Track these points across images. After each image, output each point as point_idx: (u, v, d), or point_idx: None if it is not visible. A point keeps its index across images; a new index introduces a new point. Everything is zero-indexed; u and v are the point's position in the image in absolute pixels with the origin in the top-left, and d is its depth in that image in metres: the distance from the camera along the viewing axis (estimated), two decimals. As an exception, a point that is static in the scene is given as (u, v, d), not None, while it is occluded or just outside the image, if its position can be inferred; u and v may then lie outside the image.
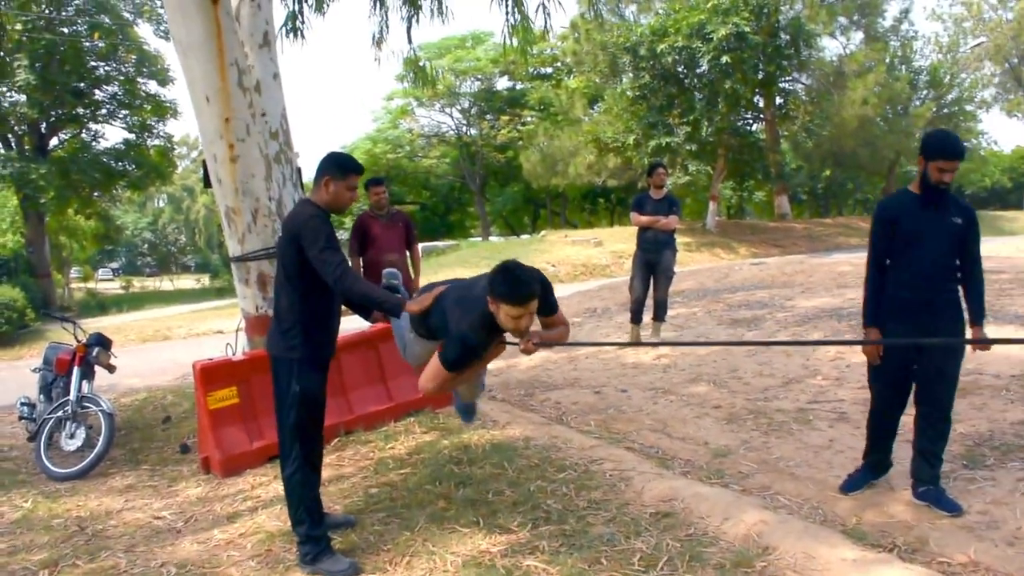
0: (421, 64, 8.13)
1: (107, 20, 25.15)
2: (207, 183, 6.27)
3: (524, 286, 3.21)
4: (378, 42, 8.11)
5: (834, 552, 3.21)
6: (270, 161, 6.01)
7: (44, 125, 26.51)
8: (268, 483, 4.96)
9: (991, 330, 7.21)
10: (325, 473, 4.83)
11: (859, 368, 6.43)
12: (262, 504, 4.59)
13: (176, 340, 14.59)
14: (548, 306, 3.53)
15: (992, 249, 18.27)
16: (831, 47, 32.06)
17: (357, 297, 3.59)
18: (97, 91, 27.23)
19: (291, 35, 7.34)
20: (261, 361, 5.48)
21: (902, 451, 4.51)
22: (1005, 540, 3.41)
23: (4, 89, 24.14)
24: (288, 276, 3.65)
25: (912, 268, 3.74)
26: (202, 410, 5.34)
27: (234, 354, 5.88)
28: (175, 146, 34.15)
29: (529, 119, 38.64)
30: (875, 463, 4.09)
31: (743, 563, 3.22)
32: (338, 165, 3.70)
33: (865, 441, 4.12)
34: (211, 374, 5.34)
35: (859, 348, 7.02)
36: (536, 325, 3.52)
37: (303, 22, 7.30)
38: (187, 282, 56.72)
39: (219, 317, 16.93)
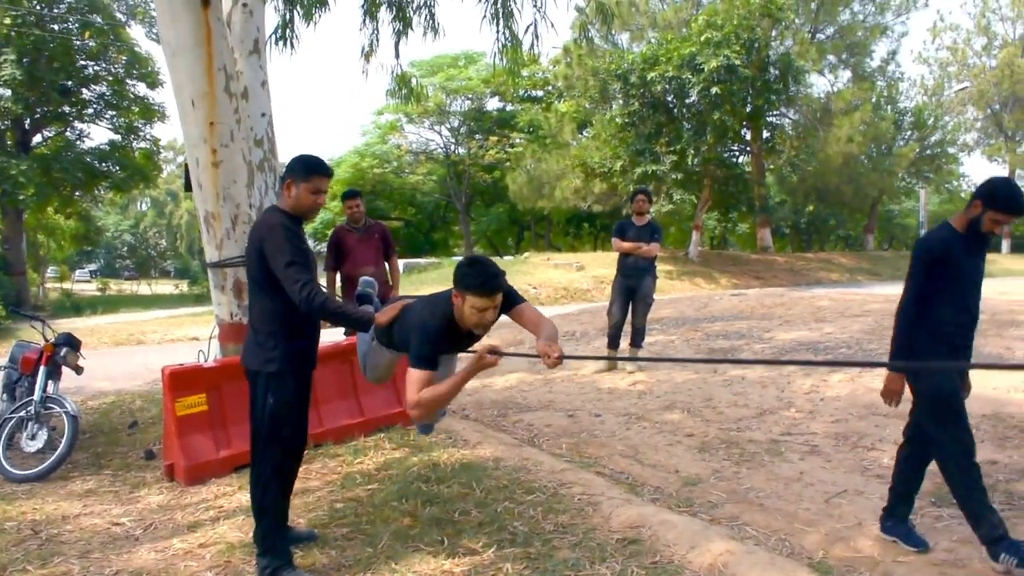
0: (409, 80, 8.13)
1: (99, 19, 25.12)
2: (188, 186, 6.23)
3: (492, 277, 3.26)
4: (367, 55, 8.11)
5: (799, 586, 3.19)
6: (253, 168, 5.99)
7: (28, 121, 26.36)
8: (232, 493, 4.87)
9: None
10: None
11: (832, 402, 6.46)
12: (224, 514, 4.50)
13: (150, 345, 14.42)
14: (512, 296, 3.48)
15: (969, 291, 18.40)
16: (819, 84, 32.49)
17: (327, 316, 3.47)
18: (85, 90, 27.14)
19: (281, 43, 7.33)
20: (232, 368, 5.42)
21: (871, 486, 4.52)
22: (970, 580, 3.40)
23: (-11, 83, 23.98)
24: (258, 284, 3.54)
25: (958, 309, 3.63)
26: (169, 416, 5.25)
27: (206, 360, 5.80)
28: (161, 150, 34.01)
29: (518, 141, 38.77)
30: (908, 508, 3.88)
31: (707, 594, 3.18)
32: (301, 166, 3.52)
33: (902, 490, 3.86)
34: (180, 379, 5.25)
35: (834, 383, 7.05)
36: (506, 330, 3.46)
37: (293, 32, 7.29)
38: (166, 287, 56.26)
39: (196, 324, 16.77)
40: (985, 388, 6.29)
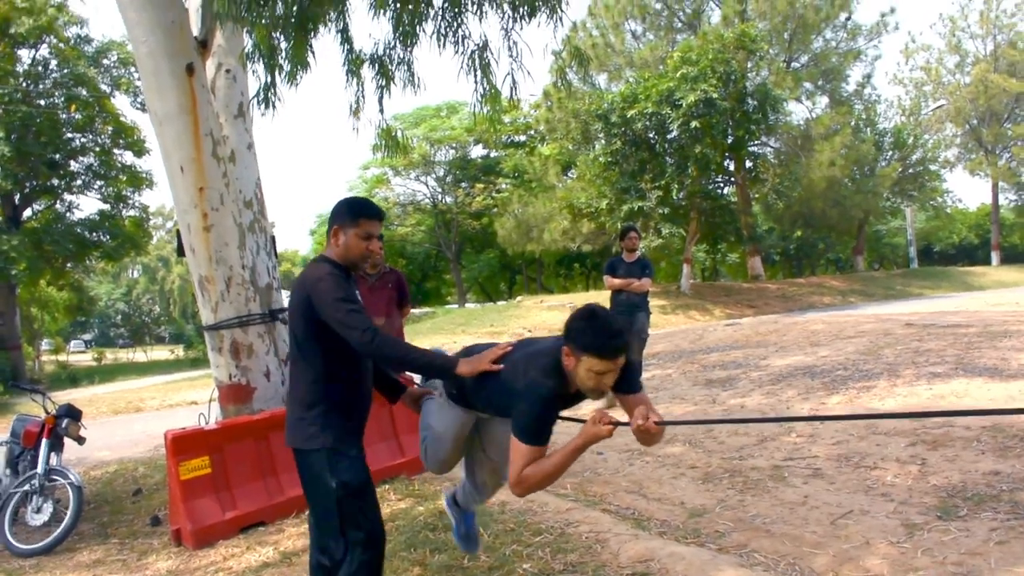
0: (394, 133, 8.25)
1: (84, 92, 25.40)
2: (180, 252, 6.30)
3: (615, 337, 2.76)
4: (355, 112, 8.22)
5: (810, 609, 3.20)
6: (244, 230, 6.06)
7: (18, 196, 26.48)
8: (240, 554, 4.86)
9: (961, 383, 7.30)
10: (299, 543, 4.77)
11: (832, 425, 6.48)
12: (234, 576, 4.49)
13: (149, 411, 14.37)
14: (631, 382, 2.98)
15: (961, 304, 18.60)
16: (798, 111, 32.97)
17: (396, 362, 3.00)
18: (72, 162, 27.38)
19: (263, 106, 7.44)
20: (234, 429, 5.46)
21: (876, 505, 4.54)
22: (980, 593, 3.41)
23: (-22, 162, 24.15)
24: (301, 348, 3.04)
25: None
26: (173, 480, 5.25)
27: (207, 423, 5.81)
28: (150, 216, 34.24)
29: (504, 186, 39.20)
30: None
31: (720, 623, 3.19)
32: (348, 209, 3.10)
33: None
34: (183, 443, 5.26)
35: (833, 405, 7.08)
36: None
37: (275, 93, 7.40)
38: (161, 353, 56.10)
39: (193, 388, 16.74)
40: (982, 399, 6.35)
